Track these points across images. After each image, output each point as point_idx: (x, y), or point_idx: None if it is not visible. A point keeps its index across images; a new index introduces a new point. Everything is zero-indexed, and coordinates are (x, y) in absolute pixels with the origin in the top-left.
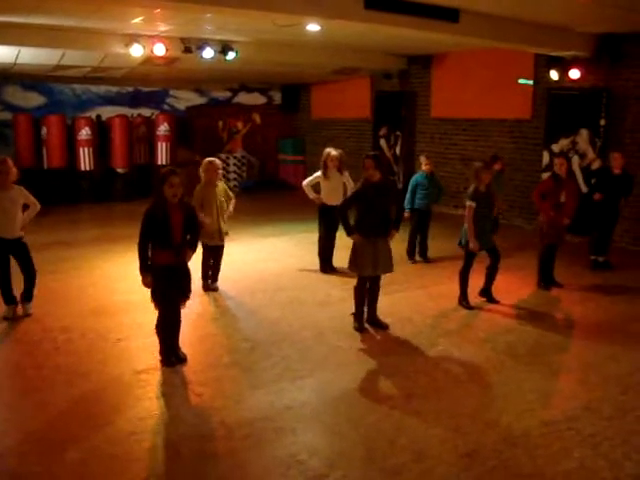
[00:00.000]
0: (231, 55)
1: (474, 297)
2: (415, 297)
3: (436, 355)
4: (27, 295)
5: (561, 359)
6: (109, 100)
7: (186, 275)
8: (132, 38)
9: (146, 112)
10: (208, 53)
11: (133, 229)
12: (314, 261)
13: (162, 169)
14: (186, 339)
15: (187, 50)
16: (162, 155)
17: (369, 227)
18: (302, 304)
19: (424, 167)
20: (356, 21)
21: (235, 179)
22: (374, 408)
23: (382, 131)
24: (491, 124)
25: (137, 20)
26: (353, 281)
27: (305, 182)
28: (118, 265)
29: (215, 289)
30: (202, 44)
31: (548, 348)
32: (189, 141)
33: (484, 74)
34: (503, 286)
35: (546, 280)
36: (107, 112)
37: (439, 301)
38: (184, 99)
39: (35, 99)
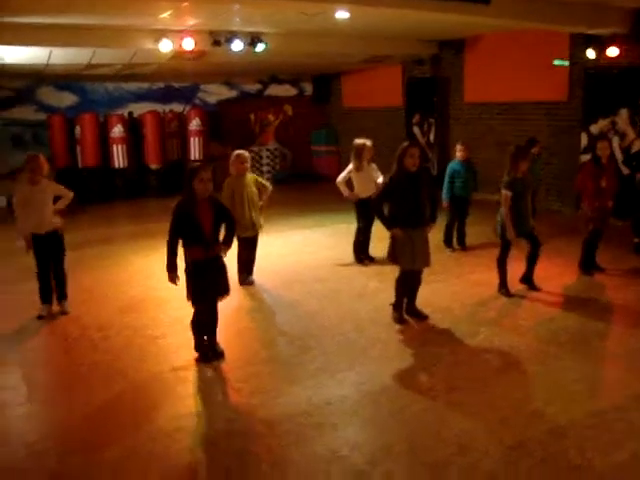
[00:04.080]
0: (260, 47)
1: (514, 285)
2: (454, 286)
3: (477, 345)
4: (61, 293)
5: (606, 346)
6: (140, 97)
7: (222, 270)
8: (161, 33)
9: (177, 107)
10: (237, 46)
11: (167, 224)
12: (350, 252)
13: (190, 165)
14: (223, 334)
15: (216, 43)
16: (195, 150)
17: (404, 219)
18: (340, 296)
19: (459, 154)
20: (384, 7)
21: (268, 171)
22: (416, 400)
23: (415, 118)
24: (526, 107)
25: (165, 15)
26: (389, 272)
27: (339, 179)
28: (153, 261)
29: (251, 282)
30: (231, 37)
31: (592, 335)
32: (221, 135)
33: (518, 56)
34: (543, 273)
35: (588, 265)
36: (139, 109)
37: (478, 289)
38: (215, 93)
39: (68, 98)
